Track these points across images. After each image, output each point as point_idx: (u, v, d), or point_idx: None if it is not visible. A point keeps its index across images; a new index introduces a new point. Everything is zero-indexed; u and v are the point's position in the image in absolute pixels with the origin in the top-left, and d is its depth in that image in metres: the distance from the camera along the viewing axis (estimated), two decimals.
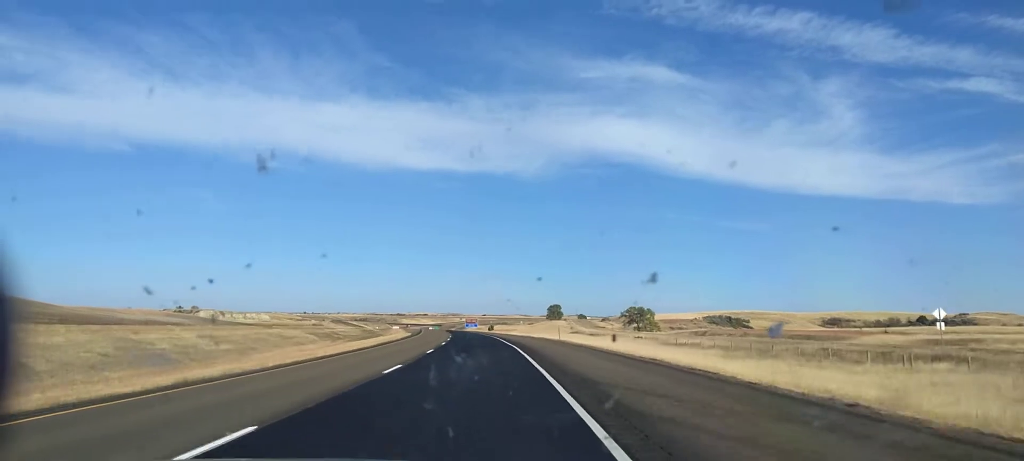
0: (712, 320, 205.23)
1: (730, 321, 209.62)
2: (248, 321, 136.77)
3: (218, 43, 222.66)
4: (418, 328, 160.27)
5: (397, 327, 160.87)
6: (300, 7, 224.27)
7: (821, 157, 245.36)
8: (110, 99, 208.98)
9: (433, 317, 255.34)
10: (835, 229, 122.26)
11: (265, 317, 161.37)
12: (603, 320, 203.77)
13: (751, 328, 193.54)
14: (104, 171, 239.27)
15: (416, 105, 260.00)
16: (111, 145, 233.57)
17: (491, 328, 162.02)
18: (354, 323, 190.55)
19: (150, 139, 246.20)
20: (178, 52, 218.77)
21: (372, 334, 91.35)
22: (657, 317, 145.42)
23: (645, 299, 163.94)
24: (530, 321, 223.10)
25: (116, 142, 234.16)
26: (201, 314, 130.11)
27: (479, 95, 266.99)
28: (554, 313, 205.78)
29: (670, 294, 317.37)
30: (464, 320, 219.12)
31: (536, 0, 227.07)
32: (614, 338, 54.55)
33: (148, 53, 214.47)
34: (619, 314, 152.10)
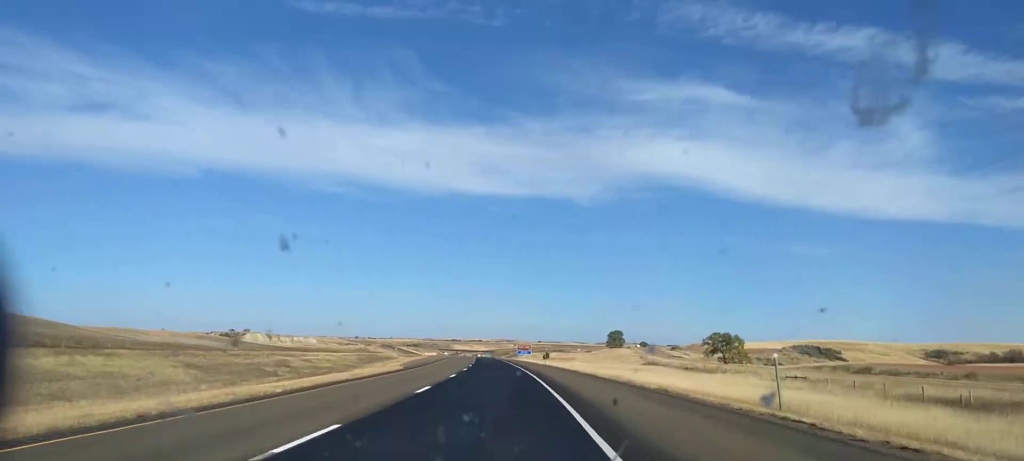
0: (802, 350, 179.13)
1: (819, 351, 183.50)
2: (294, 345, 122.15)
3: (284, 71, 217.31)
4: (440, 355, 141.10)
5: (433, 353, 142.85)
6: (362, 36, 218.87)
7: (887, 179, 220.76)
8: (182, 126, 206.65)
9: (487, 343, 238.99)
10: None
11: (312, 341, 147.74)
12: (673, 349, 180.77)
13: (844, 359, 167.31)
14: (173, 195, 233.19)
15: (473, 129, 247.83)
16: (182, 170, 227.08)
17: (547, 356, 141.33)
18: (402, 348, 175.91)
19: (218, 165, 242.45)
20: (247, 80, 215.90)
21: (372, 359, 71.91)
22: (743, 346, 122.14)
23: (723, 325, 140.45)
24: (588, 348, 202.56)
25: (187, 168, 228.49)
26: (245, 338, 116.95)
27: (537, 119, 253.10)
28: (615, 340, 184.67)
29: (748, 321, 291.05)
30: (516, 346, 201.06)
31: (591, 22, 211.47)
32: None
33: (219, 81, 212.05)
34: (701, 341, 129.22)
